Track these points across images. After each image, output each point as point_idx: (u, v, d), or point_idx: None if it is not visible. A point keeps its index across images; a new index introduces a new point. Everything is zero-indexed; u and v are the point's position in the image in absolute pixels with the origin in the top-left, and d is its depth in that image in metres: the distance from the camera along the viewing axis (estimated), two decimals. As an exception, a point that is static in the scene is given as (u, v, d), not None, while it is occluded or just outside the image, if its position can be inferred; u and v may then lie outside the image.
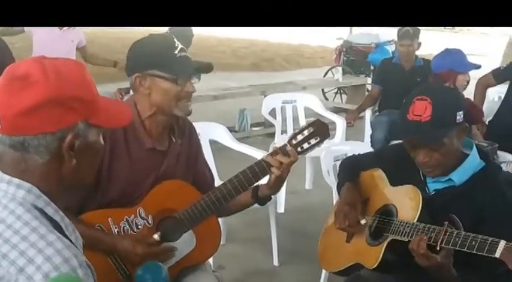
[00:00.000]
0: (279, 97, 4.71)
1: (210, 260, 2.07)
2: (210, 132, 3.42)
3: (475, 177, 1.78)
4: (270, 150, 1.87)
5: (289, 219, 3.93)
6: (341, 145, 3.68)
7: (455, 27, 19.81)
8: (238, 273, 3.20)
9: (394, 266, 1.81)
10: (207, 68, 1.81)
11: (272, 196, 1.95)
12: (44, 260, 0.95)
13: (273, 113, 4.54)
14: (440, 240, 1.61)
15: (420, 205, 1.76)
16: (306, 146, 1.83)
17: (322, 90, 8.19)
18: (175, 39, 1.77)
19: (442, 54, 3.40)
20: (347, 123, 4.44)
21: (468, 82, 3.31)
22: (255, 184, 1.86)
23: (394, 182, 1.92)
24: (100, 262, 1.67)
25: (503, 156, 3.09)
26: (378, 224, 1.91)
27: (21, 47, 4.64)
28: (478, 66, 3.30)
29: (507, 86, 3.88)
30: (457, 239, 1.58)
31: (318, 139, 1.84)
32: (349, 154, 2.34)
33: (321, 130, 1.84)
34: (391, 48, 8.09)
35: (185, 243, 1.82)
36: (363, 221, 1.92)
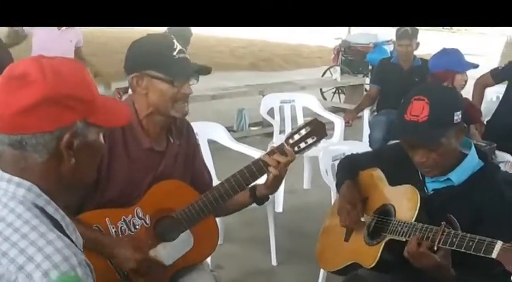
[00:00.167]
0: (277, 97, 4.71)
1: (208, 260, 2.07)
2: (209, 132, 3.42)
3: (473, 177, 1.78)
4: (268, 149, 1.87)
5: (287, 219, 3.93)
6: (339, 145, 3.68)
7: (453, 27, 19.84)
8: (236, 273, 3.20)
9: (392, 265, 1.81)
10: (205, 70, 1.80)
11: (270, 196, 1.95)
12: (44, 258, 0.95)
13: (271, 112, 4.54)
14: (437, 241, 1.61)
15: (418, 205, 1.76)
16: (303, 145, 1.83)
17: (321, 90, 8.19)
18: (174, 40, 1.76)
19: (440, 53, 3.39)
20: (345, 123, 4.45)
21: (466, 82, 3.31)
22: (252, 183, 1.86)
23: (393, 181, 1.93)
24: (98, 261, 1.66)
25: (501, 156, 3.10)
26: (376, 224, 1.91)
27: (20, 47, 4.64)
28: (475, 66, 3.31)
29: (505, 86, 3.88)
30: (454, 239, 1.59)
31: (315, 138, 1.83)
32: (347, 154, 2.34)
33: (318, 129, 1.84)
34: (389, 48, 8.09)
35: (183, 243, 1.82)
36: (362, 219, 1.93)
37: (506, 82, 3.87)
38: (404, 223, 1.76)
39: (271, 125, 4.66)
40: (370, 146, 4.02)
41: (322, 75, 8.50)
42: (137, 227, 1.78)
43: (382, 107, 4.68)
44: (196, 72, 1.79)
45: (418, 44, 4.59)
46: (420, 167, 1.81)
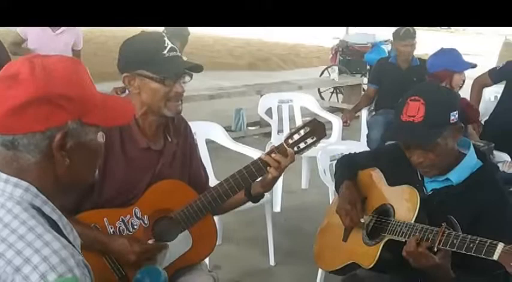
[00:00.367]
0: (275, 97, 4.71)
1: (206, 260, 2.07)
2: (207, 132, 3.41)
3: (472, 177, 1.78)
4: (267, 149, 1.87)
5: (285, 219, 3.92)
6: (337, 145, 3.68)
7: (451, 27, 19.86)
8: (235, 273, 3.20)
9: (391, 266, 1.81)
10: (197, 68, 1.78)
11: (265, 194, 1.95)
12: (41, 260, 0.94)
13: (269, 112, 4.53)
14: (437, 242, 1.61)
15: (418, 205, 1.76)
16: (302, 145, 1.83)
17: (318, 89, 8.19)
18: (165, 38, 1.74)
19: (437, 53, 3.39)
20: (343, 122, 4.44)
21: (464, 81, 3.31)
22: (251, 183, 1.86)
23: (392, 181, 1.92)
24: (96, 262, 1.65)
25: (499, 156, 3.10)
26: (375, 224, 1.91)
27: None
28: (474, 65, 3.30)
29: (503, 85, 3.89)
30: (454, 241, 1.58)
31: (314, 138, 1.83)
32: (345, 153, 2.33)
33: (317, 129, 1.83)
34: (387, 48, 8.10)
35: (181, 244, 1.82)
36: (362, 220, 1.92)
37: (504, 82, 3.88)
38: (404, 223, 1.76)
39: (269, 125, 4.65)
40: (368, 145, 4.02)
41: (320, 75, 8.50)
42: (135, 227, 1.77)
43: (380, 106, 4.68)
44: (188, 70, 1.77)
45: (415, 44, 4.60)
46: (418, 167, 1.81)
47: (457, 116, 1.74)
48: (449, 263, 1.63)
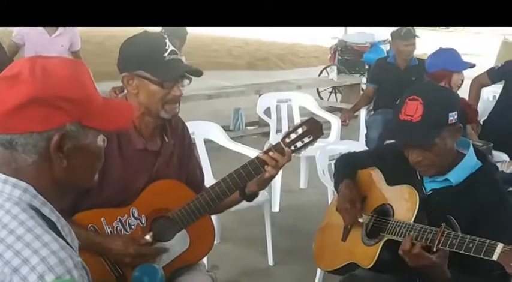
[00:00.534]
0: (274, 96, 4.71)
1: (204, 260, 2.06)
2: (205, 132, 3.41)
3: (472, 177, 1.78)
4: (265, 149, 1.86)
5: (284, 219, 3.92)
6: (336, 144, 3.68)
7: (450, 27, 19.87)
8: (233, 272, 3.19)
9: (390, 266, 1.81)
10: (196, 73, 1.77)
11: (264, 193, 1.94)
12: (39, 260, 0.94)
13: (267, 112, 4.53)
14: (437, 242, 1.60)
15: (417, 205, 1.75)
16: (299, 144, 1.82)
17: (317, 89, 8.19)
18: (166, 40, 1.73)
19: (436, 53, 3.39)
20: (342, 122, 4.44)
21: (462, 81, 3.31)
22: (248, 183, 1.85)
23: (391, 181, 1.92)
24: (93, 262, 1.65)
25: (498, 155, 3.10)
26: (374, 224, 1.90)
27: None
28: (472, 65, 3.30)
29: (502, 85, 3.89)
30: (454, 241, 1.58)
31: (312, 138, 1.83)
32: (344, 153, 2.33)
33: (314, 128, 1.83)
34: (385, 47, 8.10)
35: (179, 243, 1.81)
36: (360, 220, 1.92)
37: (503, 82, 3.88)
38: (403, 223, 1.75)
39: (267, 125, 4.65)
40: (366, 145, 4.01)
41: (319, 75, 8.50)
42: (133, 227, 1.76)
43: (378, 106, 4.68)
44: (188, 73, 1.76)
45: None
46: (416, 166, 1.80)
47: (456, 116, 1.74)
48: (446, 263, 1.62)
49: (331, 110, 6.53)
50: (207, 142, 3.42)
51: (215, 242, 1.97)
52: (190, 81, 1.79)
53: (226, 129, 4.45)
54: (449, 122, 1.72)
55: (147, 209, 1.78)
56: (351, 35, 8.95)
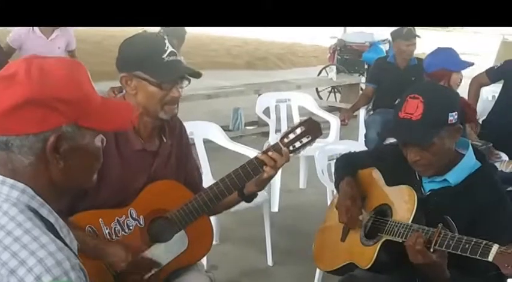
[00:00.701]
0: (273, 96, 4.70)
1: (203, 260, 2.06)
2: (204, 132, 3.41)
3: (470, 178, 1.77)
4: (264, 149, 1.86)
5: (283, 219, 3.92)
6: (335, 144, 3.67)
7: (449, 27, 19.86)
8: (232, 273, 3.19)
9: (388, 266, 1.80)
10: (195, 74, 1.76)
11: (264, 193, 1.94)
12: (36, 262, 0.93)
13: (267, 112, 4.53)
14: (433, 242, 1.60)
15: (415, 206, 1.75)
16: (297, 144, 1.82)
17: (316, 89, 8.19)
18: (166, 41, 1.72)
19: (434, 53, 3.38)
20: (341, 121, 4.44)
21: (461, 80, 3.30)
22: (247, 183, 1.85)
23: (390, 181, 1.92)
24: (91, 262, 1.64)
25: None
26: (372, 224, 1.90)
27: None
28: (471, 64, 3.30)
29: (501, 85, 3.88)
30: (450, 242, 1.58)
31: (310, 138, 1.83)
32: (344, 153, 2.32)
33: (312, 129, 1.83)
34: (385, 47, 8.10)
35: (177, 244, 1.81)
36: (361, 217, 1.92)
37: (502, 81, 3.87)
38: (401, 224, 1.75)
39: (267, 124, 4.64)
40: (365, 145, 4.01)
41: (318, 74, 8.49)
42: (131, 227, 1.76)
43: (378, 106, 4.68)
44: (187, 75, 1.75)
45: None
46: (413, 165, 1.80)
47: (456, 117, 1.73)
48: (446, 262, 1.62)
49: (331, 109, 6.53)
50: (206, 142, 3.42)
51: (214, 243, 1.96)
52: (189, 82, 1.78)
53: (225, 129, 4.45)
54: (449, 122, 1.72)
55: (145, 210, 1.78)
56: (350, 35, 8.95)
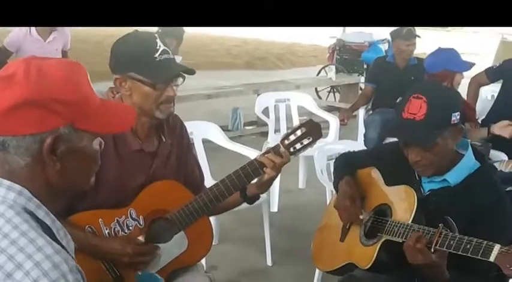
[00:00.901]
0: (272, 96, 4.70)
1: (203, 261, 2.05)
2: (204, 132, 3.40)
3: (470, 178, 1.77)
4: (263, 149, 1.86)
5: (282, 219, 3.92)
6: (334, 144, 3.67)
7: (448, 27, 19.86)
8: (231, 273, 3.19)
9: (388, 266, 1.80)
10: (189, 71, 1.75)
11: (261, 195, 1.94)
12: (33, 265, 0.92)
13: (266, 111, 4.53)
14: (434, 243, 1.60)
15: (415, 206, 1.75)
16: (298, 146, 1.82)
17: (316, 89, 8.18)
18: (157, 40, 1.70)
19: (435, 53, 3.38)
20: (340, 121, 4.44)
21: (461, 80, 3.30)
22: (247, 184, 1.85)
23: (390, 181, 1.91)
24: (90, 263, 1.65)
25: (496, 155, 3.09)
26: (372, 224, 1.90)
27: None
28: (473, 65, 3.29)
29: (500, 84, 3.88)
30: (451, 242, 1.57)
31: (311, 139, 1.82)
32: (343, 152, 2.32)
33: (313, 130, 1.82)
34: (384, 47, 8.10)
35: (176, 245, 1.80)
36: (361, 216, 1.91)
37: (501, 81, 3.87)
38: (401, 224, 1.75)
39: (266, 124, 4.64)
40: (365, 145, 4.01)
41: (317, 74, 8.49)
42: (130, 228, 1.76)
43: (377, 105, 4.67)
44: (181, 73, 1.74)
45: None
46: (414, 165, 1.80)
47: (458, 117, 1.73)
48: (446, 263, 1.62)
49: (330, 109, 6.53)
50: (205, 142, 3.42)
51: (214, 243, 1.96)
52: (184, 79, 1.77)
53: (224, 129, 4.45)
54: (452, 122, 1.72)
55: (145, 210, 1.78)
56: (349, 35, 8.94)
